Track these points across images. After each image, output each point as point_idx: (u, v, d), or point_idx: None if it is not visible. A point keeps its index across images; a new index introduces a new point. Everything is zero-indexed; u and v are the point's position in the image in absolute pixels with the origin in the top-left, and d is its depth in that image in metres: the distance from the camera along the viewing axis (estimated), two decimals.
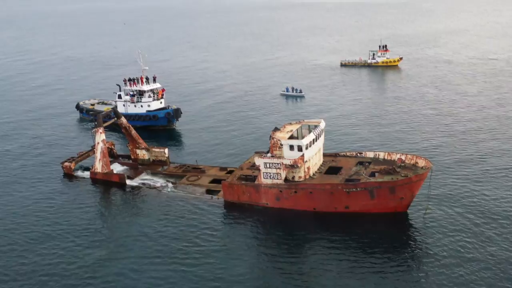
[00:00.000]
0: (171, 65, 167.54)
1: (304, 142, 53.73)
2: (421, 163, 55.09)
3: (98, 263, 47.11)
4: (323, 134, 59.56)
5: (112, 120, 71.68)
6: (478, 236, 48.26)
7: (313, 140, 55.49)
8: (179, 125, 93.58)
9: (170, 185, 64.00)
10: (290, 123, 60.61)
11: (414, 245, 48.56)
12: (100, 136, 66.46)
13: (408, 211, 53.74)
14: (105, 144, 67.21)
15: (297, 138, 56.88)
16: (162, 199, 60.45)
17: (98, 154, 66.69)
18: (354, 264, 45.09)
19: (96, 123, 67.38)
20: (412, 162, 56.14)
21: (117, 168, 70.80)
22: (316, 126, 58.56)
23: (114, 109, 73.35)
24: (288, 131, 57.11)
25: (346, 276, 43.41)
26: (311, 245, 48.89)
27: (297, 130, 58.24)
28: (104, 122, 69.97)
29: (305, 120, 62.30)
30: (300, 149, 53.65)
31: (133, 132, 71.80)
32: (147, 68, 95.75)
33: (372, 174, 55.06)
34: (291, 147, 54.17)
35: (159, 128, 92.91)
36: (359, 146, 76.33)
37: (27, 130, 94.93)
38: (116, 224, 55.52)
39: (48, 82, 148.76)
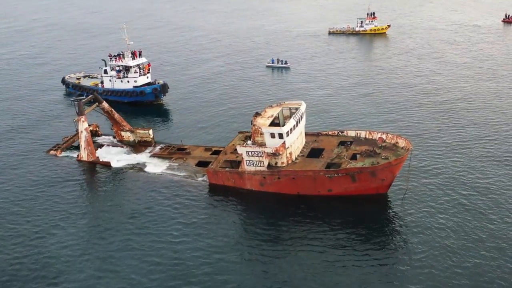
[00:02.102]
0: (154, 34, 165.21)
1: (284, 129, 54.23)
2: (402, 143, 56.06)
3: (87, 240, 49.69)
4: (304, 116, 60.02)
5: (94, 106, 71.20)
6: (457, 213, 50.21)
7: (294, 126, 56.04)
8: (166, 100, 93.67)
9: (156, 167, 64.80)
10: (271, 106, 60.95)
11: (395, 224, 50.11)
12: (83, 125, 66.43)
13: (389, 191, 55.09)
14: (88, 133, 67.30)
15: (278, 123, 57.41)
16: (148, 180, 61.50)
17: (82, 143, 66.96)
18: (336, 243, 46.73)
19: (77, 111, 67.07)
20: (393, 141, 57.19)
21: (104, 151, 71.04)
22: (296, 109, 59.06)
23: (95, 95, 72.94)
24: (269, 116, 57.41)
25: (328, 255, 45.16)
26: (293, 224, 50.73)
27: (278, 113, 58.52)
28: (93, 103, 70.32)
29: (286, 102, 62.39)
30: (281, 136, 54.20)
31: (116, 115, 71.87)
32: (132, 43, 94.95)
33: (354, 156, 56.19)
34: (272, 135, 54.58)
35: (146, 103, 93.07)
36: (343, 119, 78.11)
37: (12, 107, 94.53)
38: (102, 205, 56.84)
39: (31, 52, 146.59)
